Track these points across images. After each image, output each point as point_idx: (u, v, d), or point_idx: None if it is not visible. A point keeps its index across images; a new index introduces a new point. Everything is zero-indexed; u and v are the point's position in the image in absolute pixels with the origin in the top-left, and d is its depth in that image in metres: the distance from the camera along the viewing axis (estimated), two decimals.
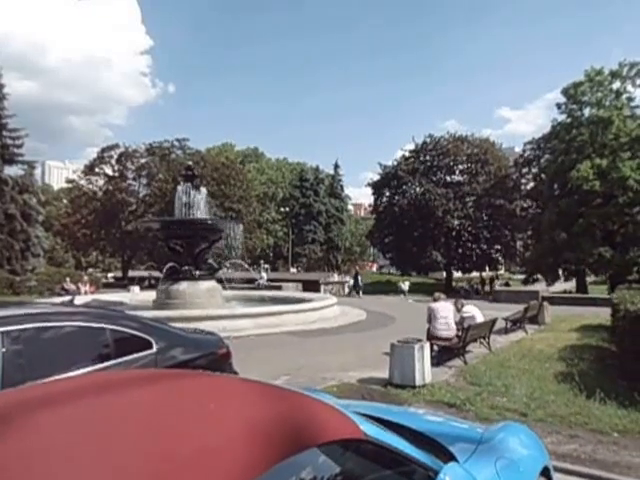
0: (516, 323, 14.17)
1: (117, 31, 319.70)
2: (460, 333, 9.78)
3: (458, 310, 11.01)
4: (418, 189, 44.27)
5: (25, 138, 36.80)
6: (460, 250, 44.78)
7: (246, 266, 25.17)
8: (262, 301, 18.51)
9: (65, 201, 59.11)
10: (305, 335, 13.25)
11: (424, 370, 7.62)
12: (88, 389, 1.61)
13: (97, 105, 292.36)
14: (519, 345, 11.61)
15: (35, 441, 1.19)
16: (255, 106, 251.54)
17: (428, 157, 45.04)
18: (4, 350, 3.16)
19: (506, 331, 13.56)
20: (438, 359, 9.32)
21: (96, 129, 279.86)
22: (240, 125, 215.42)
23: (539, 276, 37.56)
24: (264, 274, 36.64)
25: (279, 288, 29.76)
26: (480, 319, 10.90)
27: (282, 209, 62.80)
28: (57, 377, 2.95)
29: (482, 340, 10.78)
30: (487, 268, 48.66)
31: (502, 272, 56.03)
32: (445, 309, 10.04)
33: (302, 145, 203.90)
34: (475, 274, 49.66)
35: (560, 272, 35.88)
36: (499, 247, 45.29)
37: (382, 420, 2.24)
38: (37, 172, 43.97)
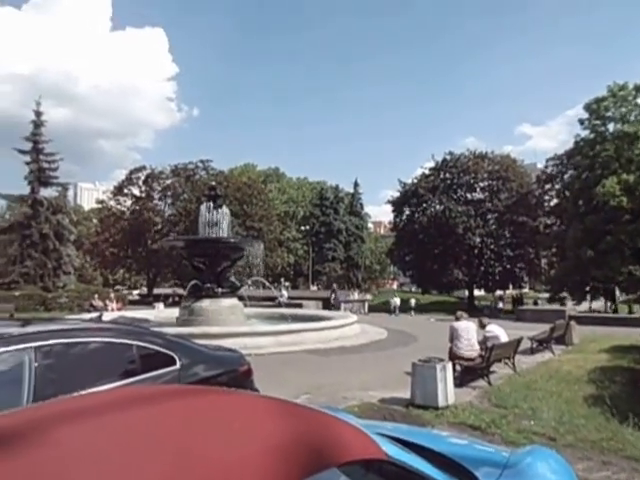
0: (542, 343, 13.87)
1: (145, 59, 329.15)
2: (484, 353, 9.61)
3: (482, 328, 10.87)
4: (438, 206, 44.02)
5: (59, 162, 38.24)
6: (482, 268, 44.19)
7: (267, 284, 25.27)
8: (283, 319, 18.51)
9: (95, 221, 60.50)
10: (325, 353, 13.19)
11: (447, 391, 7.50)
12: (114, 404, 1.62)
13: (126, 129, 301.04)
14: (546, 366, 11.35)
15: (63, 454, 1.22)
16: (276, 127, 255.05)
17: (448, 175, 44.84)
18: (36, 365, 3.25)
19: (532, 351, 13.28)
20: (461, 379, 9.17)
21: (125, 152, 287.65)
22: (261, 146, 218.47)
23: (566, 294, 36.76)
24: (285, 292, 36.66)
25: (300, 306, 29.70)
26: (504, 338, 10.70)
27: (302, 227, 63.12)
28: (85, 392, 3.03)
29: (507, 360, 10.58)
30: (511, 286, 47.82)
31: (526, 290, 54.92)
32: (468, 328, 9.91)
33: (322, 164, 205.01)
34: (499, 292, 48.86)
35: (588, 291, 35.06)
36: (523, 265, 44.53)
37: (404, 441, 2.21)
38: (69, 193, 45.64)
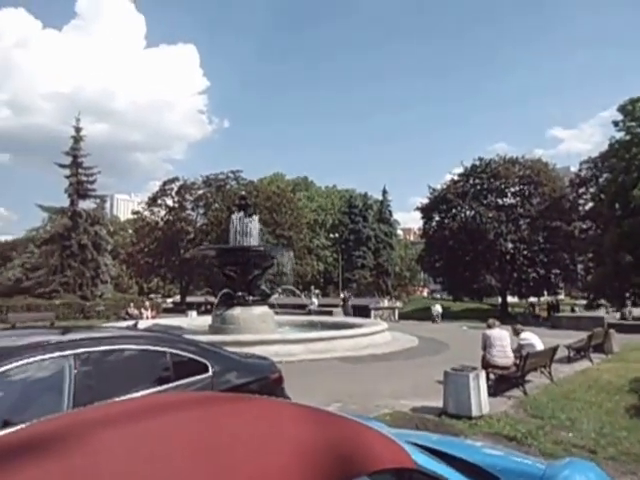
0: (580, 351, 13.45)
1: (178, 74, 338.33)
2: (518, 361, 9.41)
3: (516, 335, 10.65)
4: (468, 212, 43.47)
5: (97, 175, 39.61)
6: (515, 274, 43.25)
7: (297, 292, 25.38)
8: (313, 326, 18.53)
9: (130, 231, 62.05)
10: (356, 361, 13.12)
11: (480, 400, 7.36)
12: (150, 411, 1.66)
13: (159, 142, 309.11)
14: (584, 375, 11.00)
15: (101, 458, 1.27)
16: (305, 136, 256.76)
17: (478, 180, 44.26)
18: (75, 371, 3.36)
19: (569, 360, 12.89)
20: (495, 389, 8.98)
21: (158, 164, 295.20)
22: (290, 155, 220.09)
23: (604, 301, 35.62)
24: (315, 299, 36.70)
25: (330, 313, 29.68)
26: (540, 347, 10.44)
27: (332, 235, 63.17)
28: (121, 398, 3.12)
29: (542, 369, 10.32)
30: (546, 293, 46.67)
31: (562, 297, 53.48)
32: (501, 336, 9.71)
33: (350, 172, 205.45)
34: (533, 299, 47.75)
35: (627, 297, 33.86)
36: (558, 271, 43.41)
37: (435, 451, 2.19)
38: (107, 205, 47.06)
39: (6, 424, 2.93)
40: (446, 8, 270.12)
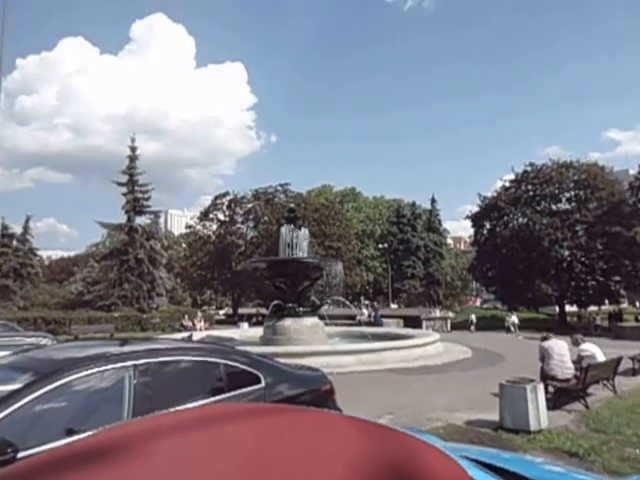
0: None
1: (226, 92, 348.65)
2: (578, 373, 9.03)
3: (576, 346, 10.22)
4: (521, 219, 42.11)
5: (152, 191, 41.28)
6: (573, 282, 41.46)
7: (347, 303, 25.32)
8: (363, 337, 18.44)
9: (184, 245, 63.95)
10: (407, 373, 12.96)
11: (539, 414, 7.10)
12: (206, 421, 1.68)
13: (210, 158, 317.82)
14: None
15: (160, 467, 1.31)
16: (352, 148, 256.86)
17: (530, 186, 42.79)
18: (135, 382, 3.51)
19: (634, 372, 12.23)
20: (554, 402, 8.64)
21: (209, 179, 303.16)
22: (338, 167, 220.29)
23: None
24: (365, 310, 36.54)
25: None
26: (601, 358, 9.97)
27: (380, 245, 62.74)
28: (178, 408, 3.22)
29: (605, 382, 9.85)
30: (606, 301, 44.46)
31: (625, 305, 50.72)
32: (560, 347, 9.35)
33: (398, 182, 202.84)
34: (593, 308, 45.56)
35: None
36: (619, 278, 41.29)
37: (493, 466, 2.14)
38: (161, 220, 48.79)
39: (71, 432, 3.10)
40: (489, 16, 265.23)
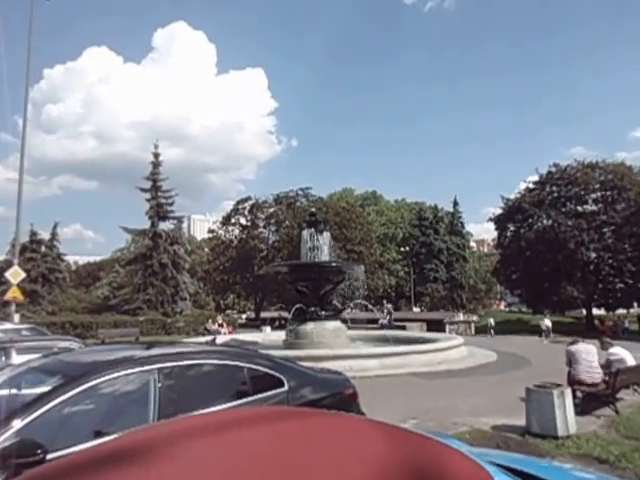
0: None
1: (247, 98, 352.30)
2: (607, 378, 8.82)
3: (604, 350, 9.98)
4: (546, 221, 41.38)
5: (175, 197, 41.80)
6: (600, 285, 40.57)
7: (369, 306, 25.26)
8: (386, 341, 18.34)
9: (206, 249, 64.45)
10: (431, 377, 12.84)
11: (567, 419, 6.95)
12: (229, 424, 1.70)
13: (231, 163, 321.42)
14: None
15: (185, 469, 1.32)
16: (372, 151, 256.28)
17: (554, 187, 42.05)
18: (160, 385, 3.54)
19: None
20: (583, 407, 8.45)
21: (230, 184, 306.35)
22: (358, 170, 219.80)
23: None
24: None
25: (403, 328, 29.27)
26: (631, 362, 9.72)
27: (402, 249, 62.37)
28: (201, 411, 3.25)
29: (636, 387, 9.61)
30: (635, 304, 43.37)
31: None
32: (588, 351, 9.15)
33: (420, 185, 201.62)
34: (621, 311, 44.49)
35: None
36: None
37: (520, 472, 2.10)
38: (184, 225, 49.38)
39: (98, 434, 3.14)
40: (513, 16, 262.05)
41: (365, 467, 1.34)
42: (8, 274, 18.82)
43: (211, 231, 59.08)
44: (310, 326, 16.77)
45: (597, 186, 40.89)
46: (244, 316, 53.72)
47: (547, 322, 31.59)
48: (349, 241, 47.28)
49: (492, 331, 32.44)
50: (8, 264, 24.94)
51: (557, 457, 6.02)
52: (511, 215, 43.71)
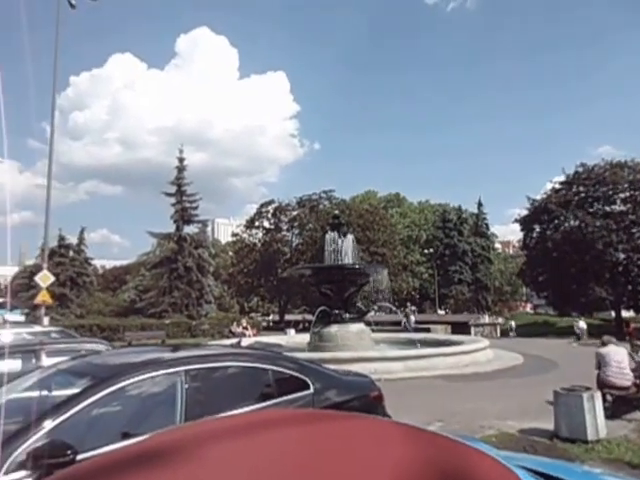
0: None
1: (269, 101, 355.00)
2: (638, 381, 8.62)
3: (635, 353, 9.74)
4: (572, 222, 40.56)
5: (199, 201, 42.30)
6: (630, 286, 39.55)
7: (393, 308, 25.13)
8: (410, 343, 18.22)
9: (230, 253, 64.98)
10: (457, 379, 12.72)
11: (597, 423, 6.81)
12: (256, 426, 1.69)
13: (254, 167, 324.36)
14: None
15: (213, 472, 1.33)
16: (395, 152, 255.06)
17: (582, 187, 41.13)
18: (186, 387, 3.58)
19: None
20: (613, 411, 8.26)
21: (253, 187, 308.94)
22: (381, 173, 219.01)
23: None
24: (412, 316, 36.14)
25: (427, 330, 29.02)
26: None
27: (426, 251, 61.91)
28: (229, 413, 3.29)
29: None
30: None
31: None
32: (618, 354, 8.94)
33: (444, 186, 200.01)
34: None
35: None
36: None
37: (550, 477, 2.07)
38: (208, 229, 49.88)
39: (126, 436, 3.19)
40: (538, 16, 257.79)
41: (395, 471, 1.33)
42: (38, 278, 19.32)
43: (235, 234, 59.56)
44: (334, 328, 16.77)
45: (626, 186, 39.93)
46: (268, 318, 54.01)
47: (582, 324, 30.43)
48: (372, 243, 47.13)
49: (512, 333, 32.09)
50: (38, 268, 25.57)
51: (587, 461, 5.93)
52: (537, 216, 42.98)
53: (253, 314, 56.96)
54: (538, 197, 44.05)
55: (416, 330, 28.51)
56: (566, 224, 41.45)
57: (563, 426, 6.93)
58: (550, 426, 7.18)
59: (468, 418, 8.16)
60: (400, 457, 1.42)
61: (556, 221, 42.07)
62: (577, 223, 39.74)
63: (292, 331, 30.04)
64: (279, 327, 40.94)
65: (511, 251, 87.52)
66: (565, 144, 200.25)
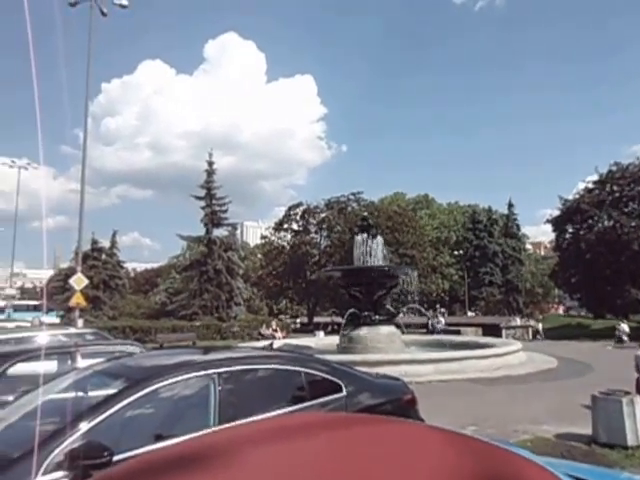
0: None
1: (297, 104, 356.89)
2: None
3: None
4: (607, 222, 39.44)
5: (229, 204, 42.72)
6: None
7: (423, 311, 24.90)
8: (441, 346, 18.01)
9: (259, 255, 65.41)
10: (489, 383, 12.54)
11: (637, 428, 6.62)
12: (291, 430, 1.69)
13: (282, 169, 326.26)
14: None
15: (250, 475, 1.34)
16: (423, 154, 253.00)
17: (616, 187, 39.89)
18: (219, 389, 3.60)
19: None
20: None
21: (282, 190, 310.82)
22: (410, 174, 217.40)
23: None
24: (442, 319, 35.74)
25: (457, 333, 28.63)
26: None
27: (456, 252, 61.09)
28: (262, 416, 3.29)
29: None
30: None
31: None
32: None
33: (473, 187, 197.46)
34: None
35: None
36: None
37: None
38: (237, 232, 50.27)
39: (161, 437, 3.21)
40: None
41: (435, 476, 1.30)
42: (72, 281, 19.84)
43: (264, 237, 59.96)
44: (364, 331, 16.71)
45: None
46: (297, 321, 54.15)
47: (624, 326, 28.86)
48: (401, 245, 46.80)
49: (539, 336, 31.55)
50: (72, 271, 26.22)
51: (627, 468, 5.78)
52: (569, 216, 41.93)
53: (282, 316, 57.19)
54: (570, 197, 43.05)
55: (445, 332, 28.16)
56: (600, 224, 40.39)
57: (601, 431, 6.75)
58: (587, 431, 7.01)
59: (501, 422, 8.03)
60: (442, 463, 1.38)
61: (589, 221, 41.01)
62: (611, 223, 38.68)
63: (321, 333, 30.05)
64: (308, 329, 40.98)
65: (542, 252, 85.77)
66: (598, 145, 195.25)
